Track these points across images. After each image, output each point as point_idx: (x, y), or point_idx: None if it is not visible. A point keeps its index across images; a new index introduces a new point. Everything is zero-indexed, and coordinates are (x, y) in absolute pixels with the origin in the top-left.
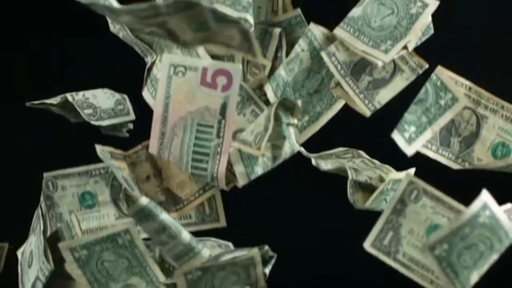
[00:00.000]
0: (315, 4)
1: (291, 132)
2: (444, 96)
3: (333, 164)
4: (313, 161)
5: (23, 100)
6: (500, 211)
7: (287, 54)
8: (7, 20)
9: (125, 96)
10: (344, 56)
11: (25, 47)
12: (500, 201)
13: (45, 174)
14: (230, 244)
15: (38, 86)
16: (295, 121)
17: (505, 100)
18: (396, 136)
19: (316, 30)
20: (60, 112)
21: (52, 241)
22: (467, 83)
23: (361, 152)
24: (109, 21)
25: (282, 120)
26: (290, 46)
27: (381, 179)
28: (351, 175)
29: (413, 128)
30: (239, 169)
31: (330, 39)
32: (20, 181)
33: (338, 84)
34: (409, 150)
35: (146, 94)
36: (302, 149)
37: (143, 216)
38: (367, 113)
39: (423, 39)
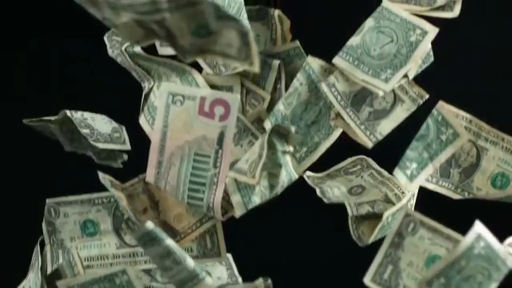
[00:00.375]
0: (313, 32)
1: (287, 160)
2: (446, 131)
3: (340, 188)
4: (318, 192)
5: (23, 100)
6: (494, 240)
7: (287, 86)
8: (7, 20)
9: (123, 127)
10: (344, 87)
11: (25, 47)
12: (500, 228)
13: (47, 200)
14: (229, 257)
15: (38, 86)
16: (291, 148)
17: (505, 129)
18: (398, 174)
19: (314, 63)
20: (56, 133)
21: (53, 279)
22: (468, 116)
23: (370, 161)
24: (108, 45)
25: (277, 147)
26: (289, 76)
27: (387, 200)
28: (351, 211)
29: (414, 165)
30: (236, 199)
31: (328, 71)
32: (20, 183)
33: (338, 115)
34: (410, 187)
35: (143, 121)
36: (309, 173)
37: (148, 240)
38: (369, 144)
39: (423, 67)
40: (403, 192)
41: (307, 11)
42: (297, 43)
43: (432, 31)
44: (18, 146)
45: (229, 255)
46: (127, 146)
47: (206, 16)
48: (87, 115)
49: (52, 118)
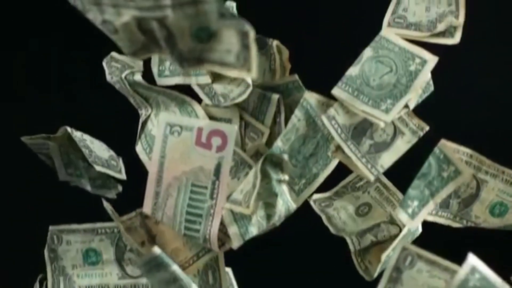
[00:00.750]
0: (311, 61)
1: (283, 189)
2: (447, 169)
3: (347, 210)
4: (324, 220)
5: (23, 100)
6: (490, 271)
7: (286, 119)
8: (7, 20)
9: (120, 158)
10: (344, 119)
11: (25, 47)
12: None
13: (50, 227)
14: (229, 271)
15: (38, 86)
16: (286, 177)
17: (506, 159)
18: (400, 214)
19: (311, 98)
20: (53, 153)
21: None
22: (468, 151)
23: None
24: (107, 71)
25: (271, 176)
26: (289, 108)
27: (391, 220)
28: (353, 247)
29: (416, 203)
30: (232, 230)
31: (326, 105)
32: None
33: (338, 147)
34: (412, 224)
35: (140, 150)
36: (316, 197)
37: (155, 265)
38: (371, 178)
39: (424, 96)
40: None
41: (304, 41)
42: (296, 77)
43: (432, 60)
44: (18, 147)
45: (229, 270)
46: (123, 176)
47: (208, 15)
48: (87, 137)
49: (51, 135)
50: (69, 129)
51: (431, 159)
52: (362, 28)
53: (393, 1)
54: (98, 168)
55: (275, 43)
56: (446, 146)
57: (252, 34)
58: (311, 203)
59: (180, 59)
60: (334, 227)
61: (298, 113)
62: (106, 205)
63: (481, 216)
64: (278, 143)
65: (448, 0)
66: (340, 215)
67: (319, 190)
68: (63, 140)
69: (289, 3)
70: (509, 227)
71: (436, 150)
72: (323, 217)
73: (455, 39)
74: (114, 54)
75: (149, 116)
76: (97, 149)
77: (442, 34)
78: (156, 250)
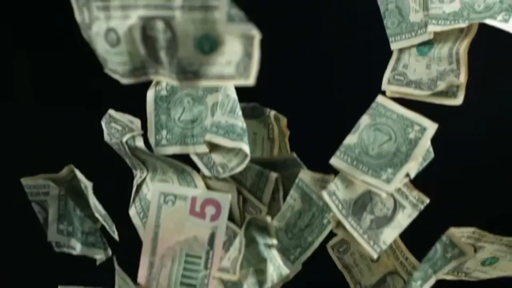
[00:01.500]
0: (307, 131)
1: (273, 254)
2: (451, 250)
3: (362, 255)
4: (340, 268)
5: (23, 100)
6: None
7: (285, 193)
8: (7, 20)
9: (114, 224)
10: (344, 194)
11: (25, 47)
12: None
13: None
14: None
15: (38, 86)
16: (274, 241)
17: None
18: None
19: (306, 177)
20: (51, 199)
21: None
22: (471, 229)
23: None
24: (105, 131)
25: (257, 241)
26: (287, 179)
27: (396, 271)
28: None
29: (419, 282)
30: None
31: (321, 180)
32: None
33: (339, 223)
34: None
35: (133, 214)
36: (332, 242)
37: None
38: (374, 255)
39: (424, 164)
40: (406, 258)
41: (302, 109)
42: (294, 155)
43: (431, 127)
44: (17, 145)
45: None
46: (116, 237)
47: (216, 22)
48: (89, 185)
49: (54, 174)
50: (73, 167)
51: (437, 245)
52: (360, 92)
53: (393, 58)
54: (96, 215)
55: (272, 113)
56: (452, 233)
57: (257, 38)
58: (329, 250)
59: (178, 70)
60: (352, 279)
61: (293, 194)
62: (118, 269)
63: (471, 267)
64: (274, 223)
65: (449, 59)
66: (356, 262)
67: None
68: (65, 180)
69: (289, 68)
70: (501, 274)
71: (443, 237)
72: (340, 266)
73: (458, 100)
74: (112, 113)
75: (144, 179)
76: (96, 202)
77: (445, 93)
78: None
